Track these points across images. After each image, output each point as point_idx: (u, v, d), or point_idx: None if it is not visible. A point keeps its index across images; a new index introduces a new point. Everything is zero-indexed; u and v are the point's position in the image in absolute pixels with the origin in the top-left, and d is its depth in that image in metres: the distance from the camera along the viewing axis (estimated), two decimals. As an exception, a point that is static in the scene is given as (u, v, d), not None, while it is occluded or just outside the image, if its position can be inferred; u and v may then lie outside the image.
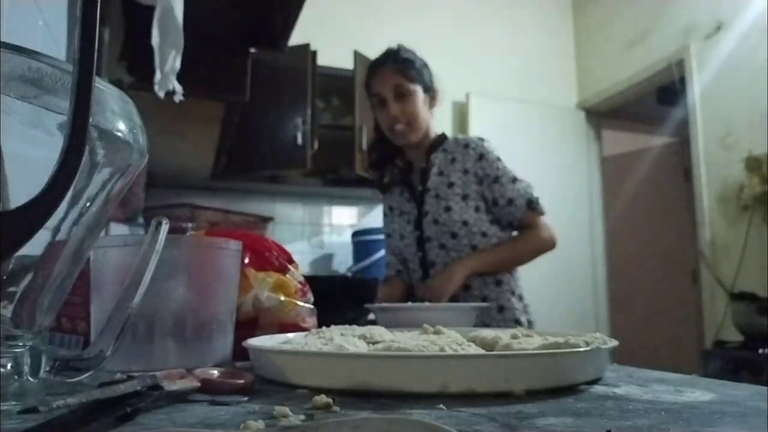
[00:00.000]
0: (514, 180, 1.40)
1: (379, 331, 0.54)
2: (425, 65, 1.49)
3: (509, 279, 1.43)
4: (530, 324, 1.43)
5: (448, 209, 1.39)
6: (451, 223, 1.39)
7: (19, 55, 0.29)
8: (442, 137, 1.50)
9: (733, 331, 2.59)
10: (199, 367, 0.42)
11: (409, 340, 0.50)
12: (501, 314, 1.39)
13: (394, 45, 1.50)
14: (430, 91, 1.47)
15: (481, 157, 1.41)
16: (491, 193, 1.40)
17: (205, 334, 0.50)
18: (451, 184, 1.41)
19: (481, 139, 1.46)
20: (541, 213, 1.41)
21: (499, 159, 1.42)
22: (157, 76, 1.15)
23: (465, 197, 1.39)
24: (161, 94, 1.19)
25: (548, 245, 1.41)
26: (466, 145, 1.44)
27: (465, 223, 1.38)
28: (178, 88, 1.21)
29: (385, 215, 1.60)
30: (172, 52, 1.14)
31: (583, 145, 3.89)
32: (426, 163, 1.46)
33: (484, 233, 1.39)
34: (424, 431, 0.24)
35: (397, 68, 1.43)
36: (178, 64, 1.16)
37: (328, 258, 3.28)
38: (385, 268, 1.60)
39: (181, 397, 0.36)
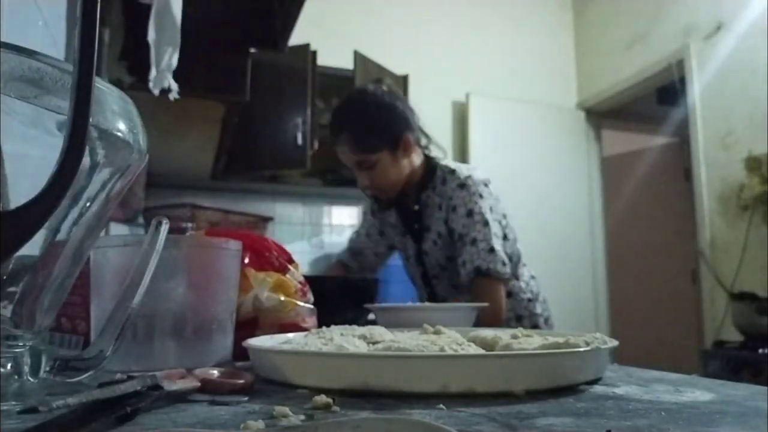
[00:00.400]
0: (474, 241, 1.25)
1: (379, 331, 0.54)
2: (388, 112, 1.31)
3: (519, 287, 1.37)
4: (547, 321, 1.40)
5: (450, 258, 1.32)
6: (456, 268, 1.30)
7: (19, 55, 0.29)
8: (431, 171, 1.36)
9: (733, 331, 2.59)
10: (199, 367, 0.42)
11: (409, 340, 0.50)
12: (519, 323, 1.36)
13: (353, 93, 1.40)
14: (398, 145, 1.31)
15: (454, 209, 1.29)
16: (456, 247, 1.30)
17: (205, 334, 0.50)
18: (440, 234, 1.33)
19: (462, 185, 1.30)
20: (498, 279, 1.25)
21: (469, 214, 1.27)
22: (153, 72, 1.14)
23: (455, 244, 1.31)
24: (156, 92, 1.18)
25: (492, 320, 1.17)
26: (451, 197, 1.31)
27: None
28: (174, 85, 1.19)
29: (366, 214, 1.55)
30: (169, 49, 1.13)
31: (583, 145, 3.90)
32: (418, 203, 1.37)
33: None
34: (424, 431, 0.24)
35: (355, 143, 1.30)
36: (174, 62, 1.15)
37: (328, 258, 3.28)
38: (344, 253, 1.55)
39: (181, 397, 0.36)
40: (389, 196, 1.38)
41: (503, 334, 0.53)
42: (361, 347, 0.48)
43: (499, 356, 0.43)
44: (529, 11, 3.99)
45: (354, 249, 1.55)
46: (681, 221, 3.80)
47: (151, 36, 1.10)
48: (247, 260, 0.63)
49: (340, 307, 0.91)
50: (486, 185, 1.32)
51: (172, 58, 1.14)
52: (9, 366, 0.34)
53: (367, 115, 1.31)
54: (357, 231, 1.57)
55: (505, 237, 1.33)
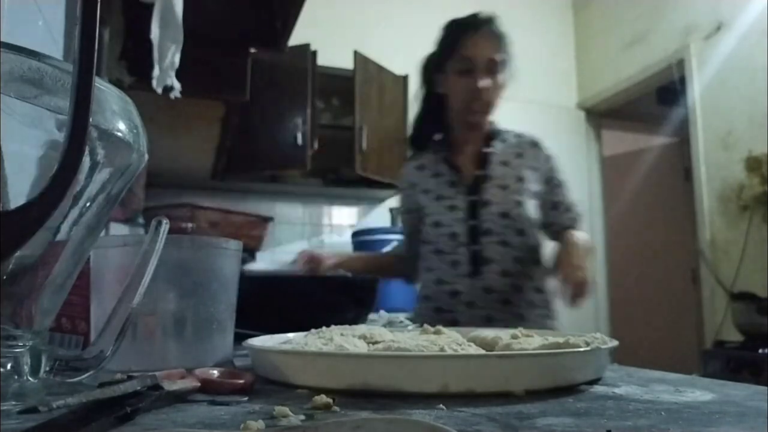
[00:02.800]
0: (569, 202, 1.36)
1: (379, 332, 0.54)
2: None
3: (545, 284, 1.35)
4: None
5: (519, 204, 1.27)
6: (522, 220, 1.27)
7: (19, 55, 0.29)
8: (497, 127, 1.40)
9: (733, 331, 2.59)
10: (199, 367, 0.42)
11: (409, 340, 0.50)
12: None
13: (483, 13, 1.38)
14: (507, 76, 1.36)
15: (549, 159, 1.36)
16: (554, 196, 1.33)
17: (205, 334, 0.50)
18: (520, 179, 1.30)
19: (536, 144, 1.39)
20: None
21: (556, 172, 1.36)
22: (156, 71, 1.14)
23: (533, 195, 1.30)
24: (159, 90, 1.18)
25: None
26: (535, 144, 1.37)
27: (530, 223, 1.28)
28: (177, 84, 1.20)
29: (402, 190, 1.45)
30: (172, 47, 1.13)
31: (583, 145, 3.89)
32: (488, 148, 1.34)
33: (537, 236, 1.31)
34: (424, 431, 0.24)
35: (498, 40, 1.33)
36: (177, 60, 1.15)
37: (328, 258, 3.28)
38: (396, 246, 1.50)
39: (181, 397, 0.36)
40: (480, 121, 1.34)
41: (503, 334, 0.53)
42: (361, 347, 0.48)
43: (499, 356, 0.43)
44: (529, 11, 3.99)
45: (409, 231, 1.45)
46: (681, 221, 3.80)
47: (155, 33, 1.10)
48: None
49: (340, 307, 0.91)
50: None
51: (174, 56, 1.14)
52: (9, 366, 0.34)
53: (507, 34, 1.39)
54: (402, 213, 1.48)
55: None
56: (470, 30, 1.34)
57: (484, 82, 1.29)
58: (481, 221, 1.28)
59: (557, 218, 1.32)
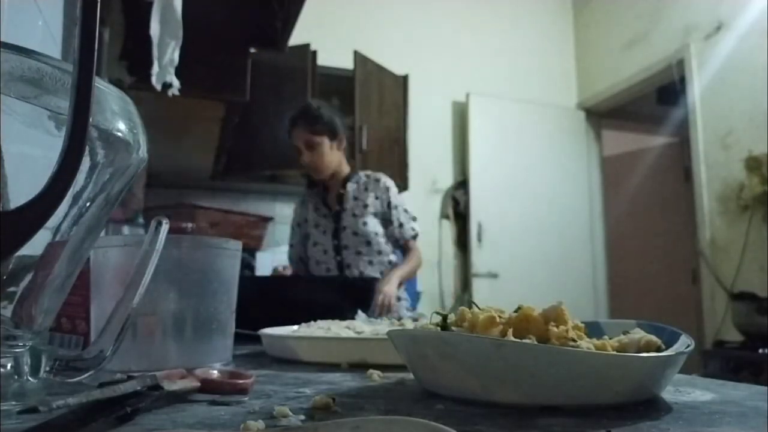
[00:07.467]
0: (406, 211, 1.88)
1: (358, 325, 0.64)
2: (331, 114, 1.85)
3: (403, 292, 1.86)
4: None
5: (365, 224, 1.82)
6: (367, 234, 1.81)
7: (19, 55, 0.29)
8: (353, 172, 1.92)
9: (733, 331, 2.59)
10: (199, 367, 0.42)
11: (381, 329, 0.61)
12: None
13: (309, 103, 1.91)
14: (335, 137, 1.83)
15: (387, 189, 1.87)
16: (392, 216, 1.85)
17: (205, 334, 0.50)
18: (365, 206, 1.84)
19: (386, 176, 1.92)
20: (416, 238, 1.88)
21: (398, 192, 1.90)
22: (155, 68, 1.14)
23: (375, 215, 1.84)
24: (158, 87, 1.18)
25: (421, 264, 1.94)
26: (377, 179, 1.89)
27: (376, 234, 1.82)
28: (176, 82, 1.20)
29: (293, 228, 2.02)
30: (171, 43, 1.13)
31: (583, 145, 3.89)
32: (343, 190, 1.87)
33: (384, 244, 1.84)
34: (425, 431, 0.24)
35: (307, 125, 1.79)
36: (176, 57, 1.16)
37: (328, 258, 3.28)
38: (291, 264, 2.02)
39: (181, 397, 0.36)
40: (321, 178, 1.85)
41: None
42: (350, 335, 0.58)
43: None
44: (528, 11, 3.99)
45: (301, 257, 1.97)
46: (681, 221, 3.80)
47: (154, 30, 1.11)
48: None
49: (339, 307, 0.91)
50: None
51: (174, 53, 1.14)
52: (9, 366, 0.34)
53: (319, 110, 1.83)
54: (291, 245, 2.03)
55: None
56: (291, 125, 1.82)
57: (303, 159, 1.82)
58: (340, 240, 1.84)
59: (397, 233, 1.85)
